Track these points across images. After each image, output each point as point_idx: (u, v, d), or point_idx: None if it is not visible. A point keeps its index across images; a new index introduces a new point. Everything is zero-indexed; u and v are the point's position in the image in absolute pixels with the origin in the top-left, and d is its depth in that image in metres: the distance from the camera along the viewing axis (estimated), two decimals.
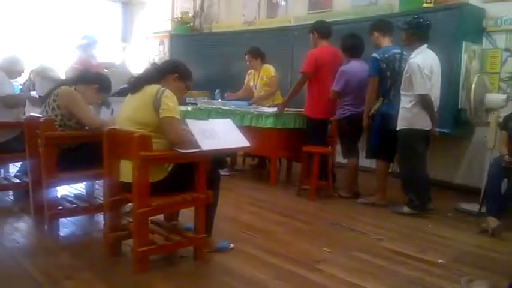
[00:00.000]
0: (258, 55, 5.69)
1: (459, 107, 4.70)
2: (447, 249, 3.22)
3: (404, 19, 4.21)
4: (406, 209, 4.03)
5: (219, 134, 2.72)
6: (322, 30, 4.81)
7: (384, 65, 4.18)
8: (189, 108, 5.68)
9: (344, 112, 4.54)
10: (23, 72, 4.53)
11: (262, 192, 4.74)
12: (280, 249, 3.05)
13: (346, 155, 4.67)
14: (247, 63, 5.77)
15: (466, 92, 4.45)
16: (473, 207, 4.15)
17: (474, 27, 4.86)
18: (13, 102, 4.05)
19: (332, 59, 4.74)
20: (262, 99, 5.69)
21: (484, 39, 4.92)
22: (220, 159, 3.27)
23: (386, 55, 4.20)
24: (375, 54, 4.22)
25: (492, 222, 3.54)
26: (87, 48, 5.86)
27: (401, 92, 4.00)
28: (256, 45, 5.77)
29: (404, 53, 4.17)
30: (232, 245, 3.00)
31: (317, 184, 4.54)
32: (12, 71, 4.24)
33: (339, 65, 4.68)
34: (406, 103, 3.95)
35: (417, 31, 3.95)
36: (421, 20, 3.99)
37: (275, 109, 5.12)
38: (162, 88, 2.64)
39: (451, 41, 4.66)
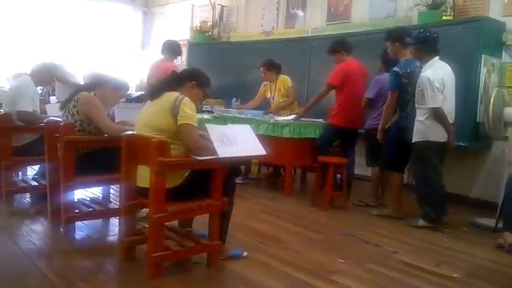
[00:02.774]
0: (273, 67, 5.73)
1: (477, 120, 4.66)
2: (462, 263, 3.18)
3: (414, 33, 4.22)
4: (421, 222, 3.99)
5: (237, 140, 2.72)
6: (347, 47, 4.93)
7: (406, 80, 4.16)
8: (205, 116, 5.71)
9: (376, 123, 4.51)
10: (52, 81, 4.55)
11: (276, 201, 4.74)
12: (293, 258, 3.04)
13: (370, 163, 4.79)
14: (262, 75, 5.81)
15: (484, 105, 4.42)
16: (490, 222, 4.10)
17: (493, 40, 4.83)
18: (28, 119, 4.00)
19: (360, 70, 4.89)
20: (281, 108, 5.72)
21: (503, 53, 4.88)
22: (236, 167, 3.28)
23: (409, 70, 4.17)
24: (396, 69, 4.19)
25: (509, 237, 3.49)
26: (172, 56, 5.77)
27: (416, 105, 4.00)
28: (271, 58, 5.81)
29: (422, 66, 4.15)
30: (245, 253, 3.00)
31: (332, 194, 4.53)
32: (40, 80, 4.28)
33: (365, 76, 4.86)
34: (420, 116, 3.96)
35: (424, 45, 3.97)
36: (428, 34, 4.00)
37: (292, 116, 5.15)
38: (181, 96, 2.67)
39: (470, 54, 4.65)
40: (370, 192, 4.86)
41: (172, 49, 5.70)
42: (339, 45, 4.93)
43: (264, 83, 5.96)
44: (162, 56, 5.77)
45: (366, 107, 4.77)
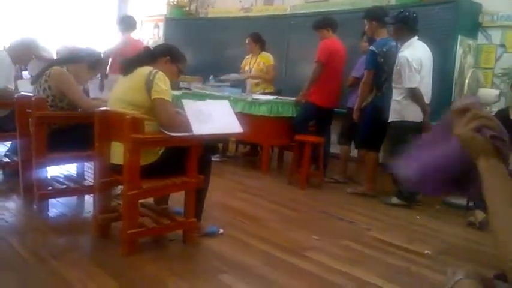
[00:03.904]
0: (258, 41, 5.71)
1: (452, 100, 4.72)
2: (434, 240, 3.26)
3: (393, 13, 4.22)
4: (395, 200, 4.07)
5: (214, 117, 2.69)
6: (333, 25, 4.90)
7: (382, 59, 4.18)
8: (178, 93, 5.62)
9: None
10: (31, 58, 4.39)
11: (253, 179, 4.76)
12: (269, 235, 3.07)
13: (342, 141, 4.93)
14: (248, 46, 5.78)
15: (459, 86, 4.47)
16: (462, 200, 4.19)
17: (470, 22, 4.87)
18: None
19: (342, 50, 4.88)
20: (256, 77, 5.74)
21: (479, 35, 4.93)
22: (212, 145, 3.27)
23: (384, 49, 4.19)
24: (373, 48, 4.21)
25: (479, 215, 3.58)
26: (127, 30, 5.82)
27: (393, 85, 4.03)
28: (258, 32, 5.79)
29: (399, 45, 4.17)
30: (221, 230, 3.01)
31: (308, 173, 4.57)
32: (17, 56, 4.13)
33: (345, 57, 4.87)
34: (396, 96, 4.00)
35: (404, 25, 3.98)
36: (408, 13, 4.02)
37: (268, 97, 5.14)
38: (155, 70, 2.63)
39: (447, 35, 4.68)
40: (339, 170, 4.93)
41: (126, 23, 5.81)
42: (326, 22, 4.90)
43: (246, 56, 5.93)
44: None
45: (351, 86, 4.79)
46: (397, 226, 3.54)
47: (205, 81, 6.48)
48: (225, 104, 2.97)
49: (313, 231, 3.21)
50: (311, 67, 4.94)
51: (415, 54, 3.89)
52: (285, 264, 2.62)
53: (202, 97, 5.36)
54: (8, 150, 4.20)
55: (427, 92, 3.99)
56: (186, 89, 6.08)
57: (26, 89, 3.86)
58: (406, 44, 3.98)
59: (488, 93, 4.25)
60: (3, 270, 2.28)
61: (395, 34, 4.07)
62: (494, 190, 0.97)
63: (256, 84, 5.74)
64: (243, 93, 5.55)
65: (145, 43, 8.31)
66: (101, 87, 3.77)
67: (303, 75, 5.16)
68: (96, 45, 6.14)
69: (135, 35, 6.17)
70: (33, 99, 3.07)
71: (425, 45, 4.02)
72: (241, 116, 3.88)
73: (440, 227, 3.59)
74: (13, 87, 4.03)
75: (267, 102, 4.95)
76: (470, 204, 3.98)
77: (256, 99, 5.07)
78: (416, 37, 3.99)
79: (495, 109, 4.13)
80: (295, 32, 6.46)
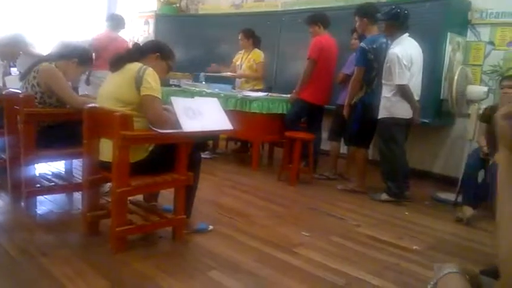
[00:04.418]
0: (251, 36, 5.71)
1: (441, 97, 4.76)
2: (423, 236, 3.28)
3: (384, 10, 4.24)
4: (384, 196, 4.09)
5: (203, 114, 2.69)
6: (325, 21, 4.90)
7: (372, 56, 4.19)
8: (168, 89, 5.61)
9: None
10: (18, 55, 4.34)
11: (243, 176, 4.76)
12: (259, 232, 3.07)
13: (332, 138, 4.95)
14: (240, 42, 5.76)
15: (448, 83, 4.49)
16: (450, 196, 4.23)
17: (459, 19, 4.90)
18: None
19: (334, 47, 4.89)
20: (245, 77, 5.74)
21: (468, 32, 4.96)
22: (202, 142, 3.26)
23: (375, 46, 4.20)
24: (363, 45, 4.22)
25: (467, 211, 3.61)
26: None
27: (382, 82, 4.04)
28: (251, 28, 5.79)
29: (389, 42, 4.18)
30: (211, 227, 3.01)
31: (298, 169, 4.58)
32: (5, 52, 4.07)
33: (336, 54, 4.89)
34: (386, 92, 4.01)
35: (395, 22, 3.99)
36: (399, 10, 4.04)
37: (259, 94, 5.14)
38: (144, 66, 2.61)
39: (436, 32, 4.70)
40: (329, 166, 4.95)
41: (116, 21, 5.92)
42: (317, 18, 4.90)
43: (239, 52, 5.92)
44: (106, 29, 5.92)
45: (341, 83, 4.80)
46: (386, 222, 3.56)
47: (195, 78, 6.46)
48: (214, 101, 2.96)
49: (303, 228, 3.22)
50: (302, 64, 4.94)
51: (406, 51, 3.90)
52: (275, 261, 2.63)
53: (192, 94, 5.36)
54: None
55: (416, 89, 4.02)
56: (176, 85, 6.05)
57: (14, 85, 3.82)
58: (397, 40, 3.99)
59: (477, 90, 4.27)
60: None
61: (387, 31, 4.08)
62: (506, 180, 0.92)
63: (246, 81, 5.74)
64: (233, 90, 5.54)
65: (135, 39, 8.29)
66: (87, 82, 3.75)
67: (294, 72, 5.16)
68: (84, 40, 6.11)
69: (124, 32, 6.16)
70: (21, 95, 3.04)
71: (416, 42, 4.04)
72: (232, 113, 3.89)
73: (429, 223, 3.61)
74: (1, 84, 3.99)
75: (257, 99, 4.95)
76: (459, 200, 4.02)
77: (247, 96, 5.07)
78: (407, 34, 4.01)
79: (483, 106, 4.16)
80: (287, 29, 6.46)
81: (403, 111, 3.96)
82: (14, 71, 5.30)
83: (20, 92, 3.22)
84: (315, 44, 4.79)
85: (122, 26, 5.99)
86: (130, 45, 5.82)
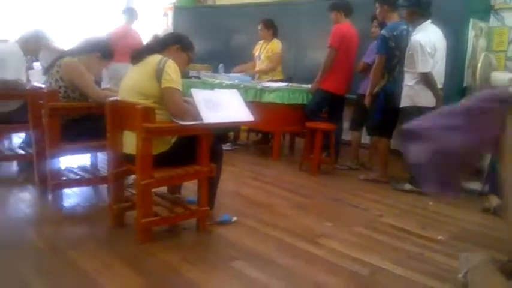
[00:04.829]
0: (271, 26, 5.67)
1: (464, 85, 4.67)
2: (447, 226, 3.25)
3: None
4: (407, 186, 4.05)
5: (223, 106, 2.70)
6: (347, 8, 4.82)
7: (393, 44, 4.13)
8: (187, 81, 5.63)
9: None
10: (41, 50, 4.41)
11: (265, 167, 4.76)
12: (281, 223, 3.08)
13: (354, 127, 4.91)
14: (260, 32, 5.73)
15: (471, 70, 4.41)
16: (476, 185, 4.16)
17: (482, 4, 4.80)
18: (9, 88, 3.83)
19: (355, 36, 4.83)
20: (262, 72, 5.71)
21: (491, 17, 4.85)
22: (223, 133, 3.27)
23: (395, 33, 4.14)
24: (383, 32, 4.16)
25: (494, 200, 3.55)
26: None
27: (405, 69, 3.98)
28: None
29: (410, 29, 4.11)
30: (235, 218, 3.03)
31: (320, 160, 4.56)
32: (28, 48, 4.14)
33: (357, 43, 4.82)
34: (409, 80, 3.95)
35: (418, 8, 3.90)
36: None
37: (278, 84, 5.12)
38: (165, 58, 2.63)
39: (459, 18, 4.60)
40: (351, 156, 4.91)
41: (130, 14, 6.20)
42: (340, 5, 4.83)
43: (258, 42, 5.89)
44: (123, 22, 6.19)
45: (362, 72, 4.75)
46: (409, 212, 3.53)
47: (214, 69, 6.47)
48: (234, 92, 2.96)
49: (326, 218, 3.22)
50: (322, 54, 4.90)
51: (429, 38, 3.82)
52: (297, 251, 2.64)
53: (212, 86, 5.38)
54: (22, 142, 4.25)
55: (440, 76, 3.95)
56: (195, 77, 6.08)
57: (37, 79, 3.89)
58: (419, 27, 3.90)
59: (501, 76, 4.19)
60: (20, 261, 2.32)
61: (409, 17, 3.99)
62: None
63: (265, 72, 5.72)
64: (252, 81, 5.53)
65: (155, 32, 8.32)
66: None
67: (314, 62, 5.11)
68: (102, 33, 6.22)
69: (142, 25, 6.32)
70: (45, 90, 3.10)
71: (439, 29, 3.95)
72: (252, 104, 3.88)
73: (454, 212, 3.57)
74: (25, 79, 4.07)
75: (277, 89, 4.94)
76: (485, 189, 3.96)
77: (266, 86, 5.05)
78: (429, 20, 3.92)
79: None
80: (306, 18, 6.40)
81: (427, 99, 3.89)
82: (37, 65, 5.40)
83: (43, 86, 3.27)
84: (335, 33, 4.74)
85: (136, 17, 6.26)
86: (142, 38, 5.98)
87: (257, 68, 5.80)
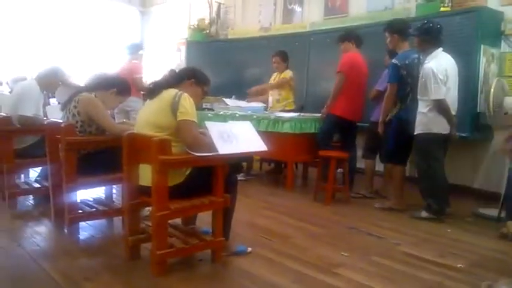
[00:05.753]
0: (287, 59, 5.77)
1: (478, 110, 4.66)
2: (466, 253, 3.19)
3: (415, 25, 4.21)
4: (424, 214, 4.00)
5: (237, 137, 2.73)
6: (358, 39, 4.94)
7: (405, 72, 4.16)
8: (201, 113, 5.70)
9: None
10: (58, 86, 4.51)
11: (278, 197, 4.75)
12: (297, 253, 3.05)
13: (366, 155, 4.89)
14: (274, 64, 5.81)
15: (484, 95, 4.41)
16: (493, 212, 4.10)
17: (492, 30, 4.82)
18: (28, 123, 3.96)
19: (364, 66, 4.89)
20: (273, 87, 5.85)
21: (502, 43, 4.87)
22: (237, 164, 3.29)
23: (407, 61, 4.17)
24: (395, 61, 4.20)
25: (511, 227, 3.49)
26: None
27: (418, 97, 3.99)
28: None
29: (421, 57, 4.14)
30: (250, 249, 3.00)
31: (334, 189, 4.54)
32: (46, 84, 4.25)
33: (366, 73, 4.88)
34: (422, 108, 3.95)
35: (428, 37, 3.95)
36: (431, 24, 4.00)
37: (291, 114, 5.16)
38: (180, 92, 2.68)
39: (469, 45, 4.64)
40: (365, 184, 4.88)
41: (133, 48, 6.24)
42: (351, 35, 4.93)
43: (274, 74, 5.96)
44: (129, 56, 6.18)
45: (374, 99, 4.78)
46: (427, 240, 3.48)
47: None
48: (247, 124, 3.00)
49: (342, 248, 3.18)
50: (332, 83, 4.94)
51: (441, 65, 3.85)
52: (315, 282, 2.60)
53: (225, 117, 5.43)
54: (38, 176, 4.31)
55: (453, 103, 3.95)
56: (208, 109, 6.15)
57: (54, 115, 3.97)
58: (431, 55, 3.93)
59: None
60: None
61: (420, 46, 4.04)
62: None
63: (277, 101, 5.78)
64: (265, 111, 5.58)
65: (169, 67, 8.48)
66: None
67: (324, 92, 5.16)
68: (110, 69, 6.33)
69: (150, 57, 6.43)
70: (62, 125, 3.15)
71: (450, 57, 3.98)
72: (265, 134, 3.91)
73: (472, 239, 3.51)
74: (42, 114, 4.16)
75: (290, 119, 4.97)
76: (502, 215, 3.90)
77: (279, 116, 5.09)
78: (441, 48, 3.95)
79: None
80: (315, 49, 6.50)
81: (441, 126, 3.89)
82: (53, 102, 5.52)
83: (61, 121, 3.34)
84: (344, 59, 4.81)
85: (141, 48, 6.42)
86: (142, 69, 6.04)
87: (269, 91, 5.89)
